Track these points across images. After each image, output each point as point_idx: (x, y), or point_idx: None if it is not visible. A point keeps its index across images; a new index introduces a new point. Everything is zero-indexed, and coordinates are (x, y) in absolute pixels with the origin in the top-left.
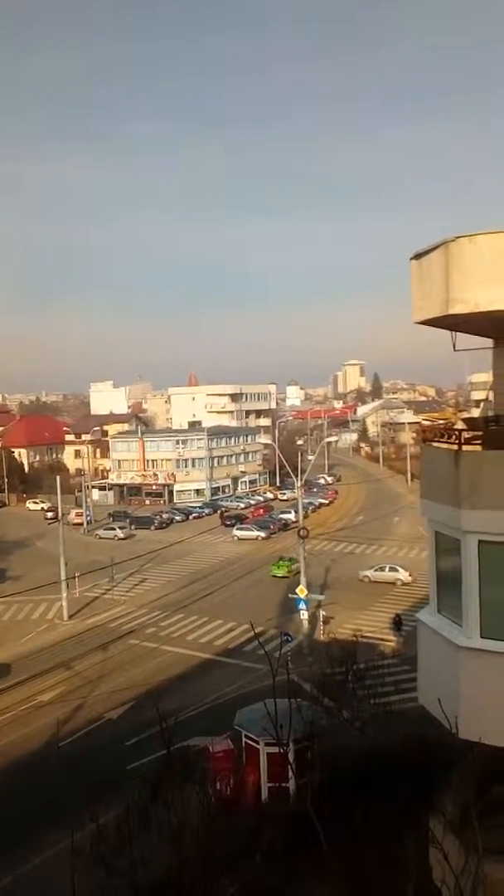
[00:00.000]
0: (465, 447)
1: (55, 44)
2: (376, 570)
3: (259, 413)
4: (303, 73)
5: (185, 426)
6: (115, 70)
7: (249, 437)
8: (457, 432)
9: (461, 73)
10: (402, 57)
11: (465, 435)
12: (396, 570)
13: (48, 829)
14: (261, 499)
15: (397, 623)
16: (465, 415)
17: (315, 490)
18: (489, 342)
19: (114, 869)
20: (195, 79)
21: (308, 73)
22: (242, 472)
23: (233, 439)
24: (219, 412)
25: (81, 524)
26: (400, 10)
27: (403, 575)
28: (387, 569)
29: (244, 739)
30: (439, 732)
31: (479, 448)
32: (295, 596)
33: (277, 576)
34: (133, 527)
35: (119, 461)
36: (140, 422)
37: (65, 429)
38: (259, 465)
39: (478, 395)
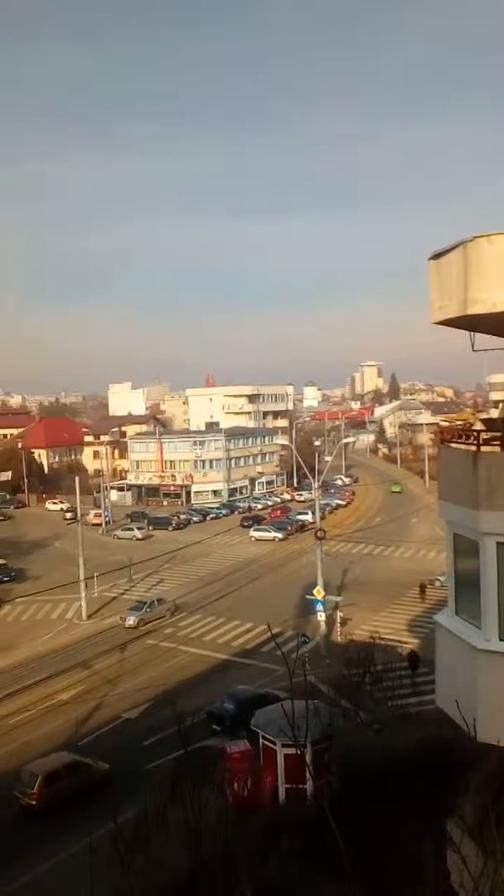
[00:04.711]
0: (483, 448)
1: (56, 45)
2: (146, 609)
3: (276, 414)
4: (303, 73)
5: (203, 427)
6: (115, 71)
7: (267, 438)
8: (475, 433)
9: (461, 73)
10: (403, 57)
11: (484, 436)
12: (163, 601)
13: (66, 829)
14: (278, 500)
15: (413, 660)
16: (484, 415)
17: (332, 491)
18: None
19: (132, 869)
20: (196, 80)
21: (308, 74)
22: (260, 472)
23: (250, 440)
24: (236, 413)
25: (100, 524)
26: (400, 11)
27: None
28: (156, 603)
29: (262, 740)
30: (457, 735)
31: (497, 449)
32: (312, 597)
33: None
34: (151, 527)
35: (137, 462)
36: (158, 423)
37: (84, 430)
38: (276, 466)
39: (497, 395)
